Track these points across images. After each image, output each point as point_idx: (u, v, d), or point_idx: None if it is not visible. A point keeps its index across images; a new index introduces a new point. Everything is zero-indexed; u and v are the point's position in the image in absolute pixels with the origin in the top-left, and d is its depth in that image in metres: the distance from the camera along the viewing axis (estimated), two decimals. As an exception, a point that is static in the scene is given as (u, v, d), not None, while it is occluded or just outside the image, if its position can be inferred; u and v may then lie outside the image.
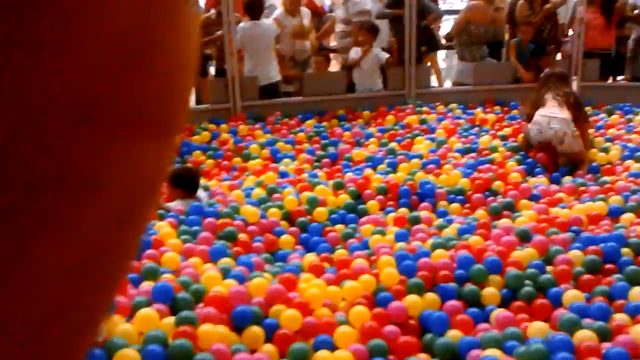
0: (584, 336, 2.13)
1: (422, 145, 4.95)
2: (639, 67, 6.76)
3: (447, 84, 7.18)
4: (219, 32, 6.02)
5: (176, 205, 3.50)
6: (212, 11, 6.55)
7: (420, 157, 4.58)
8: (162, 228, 3.13)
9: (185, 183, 3.62)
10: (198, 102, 6.34)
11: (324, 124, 5.79)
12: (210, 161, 4.89)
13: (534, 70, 6.36)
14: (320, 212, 3.66)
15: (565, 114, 4.52)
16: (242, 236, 3.24)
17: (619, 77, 7.17)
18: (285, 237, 3.36)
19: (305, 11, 6.59)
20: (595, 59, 6.66)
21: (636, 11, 7.10)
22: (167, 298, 2.36)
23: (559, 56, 6.86)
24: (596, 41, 6.71)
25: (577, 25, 6.57)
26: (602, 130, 5.43)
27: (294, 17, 6.34)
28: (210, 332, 2.17)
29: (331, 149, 5.06)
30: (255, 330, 2.27)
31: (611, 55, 6.96)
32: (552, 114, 4.50)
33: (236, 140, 5.26)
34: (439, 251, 2.86)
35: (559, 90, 4.66)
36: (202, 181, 4.24)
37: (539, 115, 4.56)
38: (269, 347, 2.21)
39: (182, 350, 2.04)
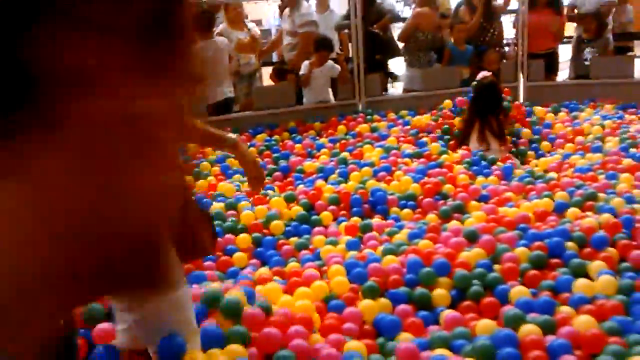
0: (529, 330, 2.17)
1: (373, 153, 4.97)
2: (581, 66, 6.94)
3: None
4: None
5: None
6: None
7: (371, 165, 4.60)
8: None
9: None
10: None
11: (275, 137, 5.78)
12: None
13: (476, 72, 6.48)
14: (276, 225, 3.65)
15: (493, 146, 4.91)
16: (194, 254, 3.20)
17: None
18: (238, 255, 3.33)
19: (251, 24, 6.59)
20: (540, 59, 6.82)
21: (576, 11, 7.31)
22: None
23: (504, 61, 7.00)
24: (539, 42, 6.88)
25: (520, 27, 6.72)
26: (548, 129, 5.56)
27: (239, 30, 6.33)
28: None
29: (283, 162, 5.05)
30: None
31: (555, 54, 7.15)
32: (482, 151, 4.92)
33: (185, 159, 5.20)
34: (389, 257, 2.89)
35: (483, 125, 4.97)
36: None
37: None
38: None
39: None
